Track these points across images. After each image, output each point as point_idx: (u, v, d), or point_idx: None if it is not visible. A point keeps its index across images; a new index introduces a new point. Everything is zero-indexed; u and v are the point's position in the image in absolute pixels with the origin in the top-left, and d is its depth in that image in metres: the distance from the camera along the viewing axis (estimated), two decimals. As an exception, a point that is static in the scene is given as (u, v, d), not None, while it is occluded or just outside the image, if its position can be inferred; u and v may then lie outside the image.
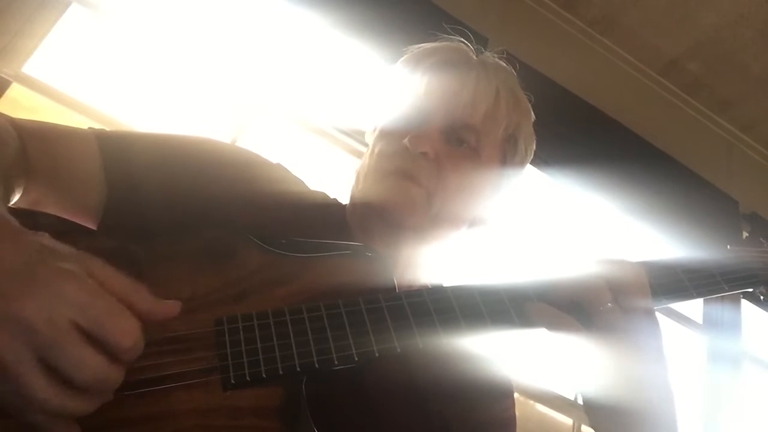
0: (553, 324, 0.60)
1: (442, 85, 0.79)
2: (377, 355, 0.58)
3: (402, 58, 0.89)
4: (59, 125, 0.75)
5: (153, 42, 1.88)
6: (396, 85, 0.86)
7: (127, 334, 0.46)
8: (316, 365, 0.56)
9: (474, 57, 0.86)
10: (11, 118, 0.70)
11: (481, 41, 0.90)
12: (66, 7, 1.75)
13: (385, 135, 0.83)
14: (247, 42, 2.02)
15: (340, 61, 2.12)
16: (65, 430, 0.46)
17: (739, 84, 2.72)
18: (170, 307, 0.50)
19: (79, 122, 1.67)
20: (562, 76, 2.45)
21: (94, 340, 0.45)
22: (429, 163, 0.76)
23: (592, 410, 0.61)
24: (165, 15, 1.92)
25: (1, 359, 0.42)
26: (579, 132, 2.41)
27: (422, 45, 0.88)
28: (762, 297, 0.78)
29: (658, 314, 0.63)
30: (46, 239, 0.49)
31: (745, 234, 2.65)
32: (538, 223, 2.31)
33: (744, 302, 2.52)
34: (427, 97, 0.79)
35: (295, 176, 0.88)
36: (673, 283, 0.69)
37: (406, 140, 0.76)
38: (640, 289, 0.61)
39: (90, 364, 0.44)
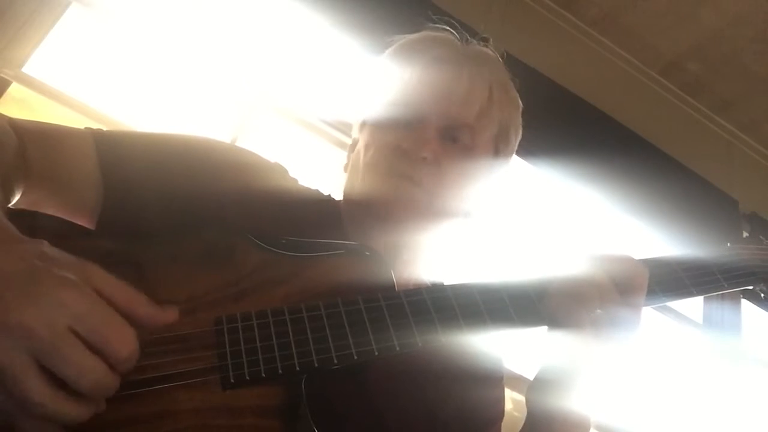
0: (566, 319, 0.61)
1: (436, 83, 0.79)
2: (377, 354, 0.58)
3: (390, 50, 0.88)
4: (56, 125, 0.74)
5: (152, 42, 1.88)
6: (385, 78, 0.85)
7: (123, 343, 0.46)
8: (316, 364, 0.56)
9: (463, 49, 0.85)
10: (9, 118, 0.70)
11: (481, 41, 0.90)
12: (66, 7, 1.75)
13: (379, 131, 0.82)
14: (248, 40, 2.02)
15: (340, 61, 2.12)
16: None
17: (739, 84, 2.71)
18: (169, 314, 0.51)
19: (79, 122, 1.66)
20: (561, 76, 2.44)
21: (90, 348, 0.45)
22: (429, 166, 0.77)
23: (539, 384, 0.65)
24: (164, 15, 1.92)
25: (0, 363, 0.42)
26: (579, 131, 2.41)
27: (409, 36, 0.87)
28: (762, 295, 0.78)
29: (657, 311, 0.65)
30: (46, 246, 0.49)
31: (745, 234, 2.65)
32: (539, 218, 2.31)
33: (744, 302, 2.52)
34: (422, 96, 0.79)
35: (292, 175, 0.87)
36: (673, 281, 0.69)
37: (404, 143, 0.77)
38: (638, 289, 0.62)
39: (91, 370, 0.44)
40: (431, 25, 0.90)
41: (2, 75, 1.61)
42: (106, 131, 0.77)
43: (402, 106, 0.80)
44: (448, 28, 0.88)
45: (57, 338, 0.43)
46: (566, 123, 2.38)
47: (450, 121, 0.79)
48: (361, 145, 0.84)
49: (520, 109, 0.88)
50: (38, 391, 0.43)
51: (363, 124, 0.86)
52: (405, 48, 0.86)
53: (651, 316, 2.27)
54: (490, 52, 0.88)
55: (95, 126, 0.79)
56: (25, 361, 0.43)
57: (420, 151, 0.76)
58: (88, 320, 0.45)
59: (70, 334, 0.44)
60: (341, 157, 0.93)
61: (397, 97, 0.81)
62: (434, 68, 0.80)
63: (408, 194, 0.76)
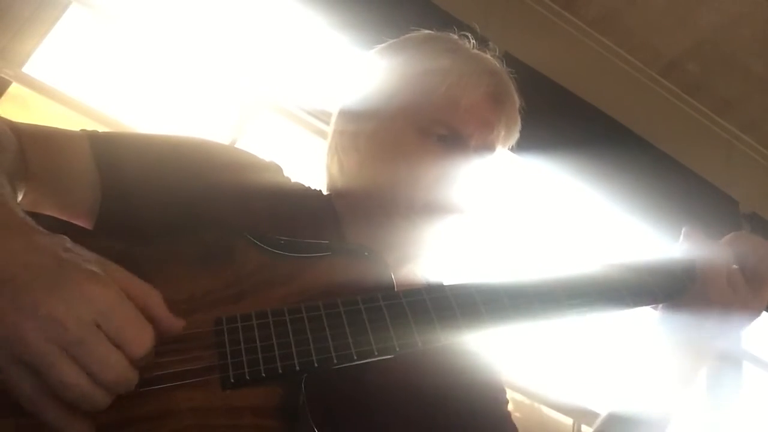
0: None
1: (482, 111, 0.83)
2: (376, 354, 0.58)
3: (412, 44, 0.89)
4: (52, 128, 0.75)
5: (152, 42, 1.88)
6: (412, 76, 0.85)
7: (142, 343, 0.48)
8: (316, 364, 0.56)
9: (494, 69, 0.87)
10: (8, 121, 0.70)
11: (481, 41, 0.90)
12: (66, 7, 1.75)
13: (409, 135, 0.82)
14: (247, 41, 2.02)
15: (339, 60, 2.12)
16: (82, 427, 0.47)
17: (739, 84, 2.71)
18: (178, 323, 0.53)
19: (79, 122, 1.67)
20: (561, 76, 2.45)
21: (112, 342, 0.47)
22: (462, 183, 0.80)
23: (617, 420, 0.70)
24: (163, 15, 1.92)
25: (33, 352, 0.44)
26: (578, 131, 2.41)
27: (435, 38, 0.89)
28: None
29: None
30: (68, 241, 0.51)
31: (745, 234, 2.64)
32: (538, 217, 2.32)
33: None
34: (466, 118, 0.81)
35: (288, 175, 0.87)
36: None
37: (449, 170, 0.79)
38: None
39: (116, 363, 0.46)
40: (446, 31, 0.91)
41: (2, 75, 1.61)
42: (101, 133, 0.77)
43: (442, 123, 0.81)
44: (468, 34, 0.90)
45: (84, 332, 0.45)
46: (566, 123, 2.38)
47: (485, 147, 0.83)
48: (376, 136, 0.84)
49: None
50: (73, 373, 0.44)
51: (375, 115, 0.85)
52: (436, 52, 0.86)
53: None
54: (503, 65, 0.91)
55: (95, 126, 0.79)
56: (56, 349, 0.44)
57: (464, 182, 0.80)
58: (112, 316, 0.47)
59: (95, 328, 0.46)
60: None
61: (438, 112, 0.82)
62: (478, 92, 0.83)
63: (442, 210, 0.80)
